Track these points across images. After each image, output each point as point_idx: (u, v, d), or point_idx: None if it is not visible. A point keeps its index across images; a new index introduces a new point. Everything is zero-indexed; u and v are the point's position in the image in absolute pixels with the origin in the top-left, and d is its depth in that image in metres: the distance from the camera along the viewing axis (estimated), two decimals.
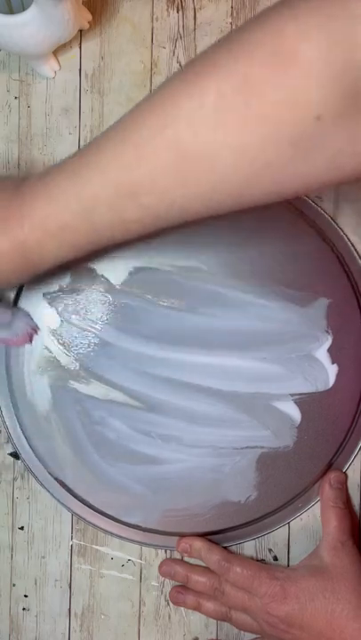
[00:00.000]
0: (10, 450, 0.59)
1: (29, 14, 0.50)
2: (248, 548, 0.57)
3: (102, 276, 0.57)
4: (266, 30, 0.36)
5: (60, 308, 0.57)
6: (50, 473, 0.57)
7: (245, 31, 0.37)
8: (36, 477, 0.58)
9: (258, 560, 0.57)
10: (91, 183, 0.41)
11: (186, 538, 0.56)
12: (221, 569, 0.54)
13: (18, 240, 0.43)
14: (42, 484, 0.58)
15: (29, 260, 0.44)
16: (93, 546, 0.59)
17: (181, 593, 0.56)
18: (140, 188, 0.39)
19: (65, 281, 0.57)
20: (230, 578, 0.53)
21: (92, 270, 0.57)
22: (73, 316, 0.57)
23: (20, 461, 0.59)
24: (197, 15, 0.57)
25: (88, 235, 0.42)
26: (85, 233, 0.42)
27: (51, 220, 0.42)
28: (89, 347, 0.57)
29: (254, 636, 0.56)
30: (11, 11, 0.54)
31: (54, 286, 0.57)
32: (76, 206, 0.41)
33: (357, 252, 0.56)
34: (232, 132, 0.36)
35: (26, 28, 0.51)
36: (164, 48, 0.58)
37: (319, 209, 0.56)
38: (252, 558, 0.57)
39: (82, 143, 0.59)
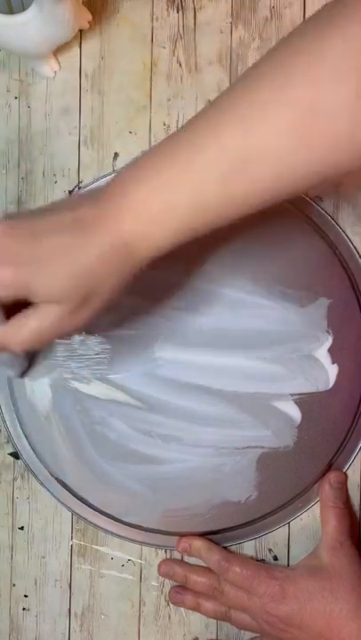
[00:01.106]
0: (10, 450, 0.59)
1: (29, 14, 0.50)
2: (248, 547, 0.57)
3: None
4: None
5: None
6: (50, 473, 0.57)
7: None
8: (36, 477, 0.58)
9: (258, 560, 0.57)
10: (203, 157, 0.39)
11: (185, 537, 0.56)
12: (221, 569, 0.54)
13: (119, 236, 0.41)
14: (42, 484, 0.58)
15: (131, 255, 0.42)
16: (93, 546, 0.59)
17: (180, 593, 0.56)
18: (255, 154, 0.38)
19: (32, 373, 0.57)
20: (230, 577, 0.53)
21: None
22: None
23: (20, 461, 0.59)
24: (197, 15, 0.57)
25: (194, 218, 0.40)
26: (192, 216, 0.40)
27: (156, 206, 0.40)
28: (89, 345, 0.56)
29: (254, 635, 0.56)
30: (11, 11, 0.54)
31: None
32: (185, 185, 0.40)
33: (358, 252, 0.56)
34: (354, 86, 0.35)
35: (26, 28, 0.51)
36: (164, 48, 0.58)
37: (320, 209, 0.56)
38: (252, 558, 0.57)
39: (82, 143, 0.59)
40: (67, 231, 0.41)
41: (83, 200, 0.42)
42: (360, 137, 0.37)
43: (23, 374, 0.56)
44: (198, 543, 0.55)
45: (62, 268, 0.41)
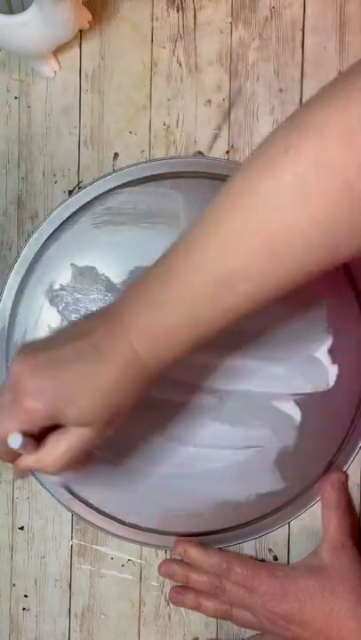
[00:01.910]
0: None
1: (29, 14, 0.50)
2: (248, 548, 0.57)
3: (103, 274, 0.57)
4: (332, 108, 0.37)
5: (60, 307, 0.57)
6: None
7: (310, 111, 0.38)
8: (35, 477, 0.58)
9: (258, 560, 0.57)
10: (191, 282, 0.42)
11: (181, 543, 0.56)
12: (221, 570, 0.54)
13: (133, 358, 0.43)
14: (41, 484, 0.58)
15: (146, 372, 0.44)
16: (93, 546, 0.59)
17: (180, 593, 0.56)
18: (236, 276, 0.40)
19: (66, 280, 0.57)
20: (231, 578, 0.54)
21: (93, 269, 0.57)
22: (73, 315, 0.57)
23: None
24: (197, 15, 0.57)
25: (193, 332, 0.43)
26: (190, 331, 0.43)
27: (157, 328, 0.43)
28: None
29: (255, 633, 0.56)
30: (11, 11, 0.54)
31: (55, 285, 0.57)
32: (179, 309, 0.42)
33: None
34: (316, 206, 0.37)
35: (26, 28, 0.51)
36: (164, 48, 0.58)
37: None
38: (251, 558, 0.57)
39: (82, 143, 0.59)
40: (86, 360, 0.43)
41: (95, 324, 0.45)
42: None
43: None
44: (193, 551, 0.55)
45: (88, 395, 0.43)
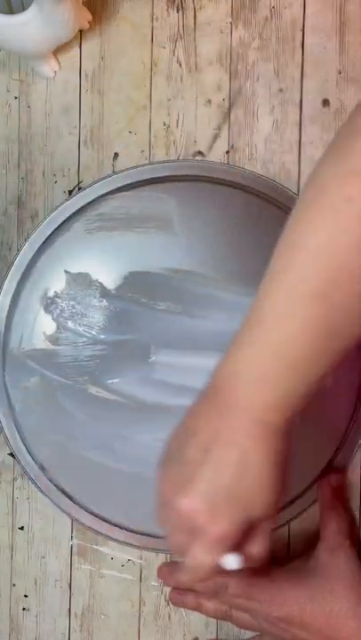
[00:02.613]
0: (9, 450, 0.59)
1: (29, 14, 0.50)
2: None
3: (97, 281, 0.57)
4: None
5: (55, 314, 0.57)
6: (49, 479, 0.57)
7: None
8: (35, 484, 0.58)
9: None
10: (293, 346, 0.41)
11: (169, 574, 0.55)
12: (219, 588, 0.53)
13: (259, 429, 0.42)
14: (41, 491, 0.57)
15: (277, 431, 0.42)
16: (93, 546, 0.59)
17: (181, 594, 0.56)
18: (336, 325, 0.40)
19: (60, 286, 0.57)
20: (231, 592, 0.53)
21: (87, 275, 0.57)
22: (69, 322, 0.57)
23: (19, 465, 0.59)
24: (197, 15, 0.57)
25: (306, 386, 0.42)
26: (304, 387, 0.42)
27: (271, 397, 0.42)
28: (84, 351, 0.56)
29: (255, 634, 0.56)
30: (11, 11, 0.54)
31: (50, 292, 0.57)
32: (287, 376, 0.41)
33: None
34: None
35: (26, 28, 0.51)
36: (164, 48, 0.58)
37: None
38: None
39: (82, 143, 0.59)
40: (227, 461, 0.42)
41: (212, 418, 0.43)
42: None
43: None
44: (184, 577, 0.54)
45: (257, 489, 0.42)
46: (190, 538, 0.43)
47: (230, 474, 0.42)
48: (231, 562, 0.43)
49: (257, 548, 0.44)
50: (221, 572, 0.44)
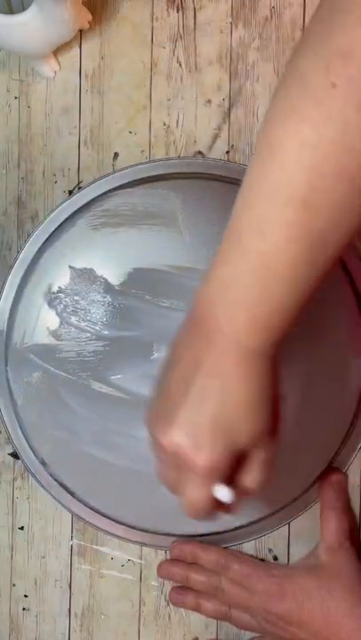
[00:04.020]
0: (10, 450, 0.59)
1: (29, 14, 0.50)
2: (248, 548, 0.57)
3: (101, 277, 0.57)
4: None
5: (59, 309, 0.57)
6: (50, 474, 0.57)
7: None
8: (36, 479, 0.58)
9: (258, 559, 0.57)
10: (280, 257, 0.38)
11: (177, 543, 0.56)
12: (219, 567, 0.54)
13: (241, 357, 0.40)
14: (42, 486, 0.58)
15: (262, 360, 0.41)
16: (93, 546, 0.59)
17: (180, 594, 0.56)
18: (325, 229, 0.37)
19: (64, 282, 0.57)
20: (228, 575, 0.53)
21: (91, 271, 0.57)
22: (72, 317, 0.57)
23: (19, 461, 0.59)
24: (197, 15, 0.57)
25: (296, 304, 0.39)
26: (293, 306, 0.39)
27: (260, 318, 0.39)
28: (87, 347, 0.57)
29: (254, 635, 0.56)
30: (11, 11, 0.54)
31: (54, 287, 0.57)
32: (274, 289, 0.39)
33: (357, 253, 0.56)
34: None
35: (26, 28, 0.51)
36: (164, 48, 0.58)
37: None
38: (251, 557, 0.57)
39: (82, 143, 0.59)
40: (211, 391, 0.40)
41: (187, 350, 0.42)
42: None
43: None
44: (189, 547, 0.55)
45: (243, 416, 0.41)
46: (181, 474, 0.42)
47: (212, 404, 0.40)
48: (224, 493, 0.42)
49: (250, 478, 0.43)
50: (219, 506, 0.43)
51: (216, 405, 0.40)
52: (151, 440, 0.43)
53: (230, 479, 0.43)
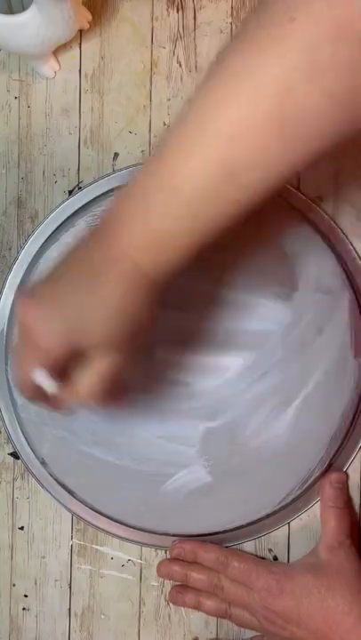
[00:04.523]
0: (10, 450, 0.59)
1: (29, 14, 0.50)
2: (248, 548, 0.57)
3: None
4: None
5: None
6: (50, 474, 0.57)
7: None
8: (36, 478, 0.58)
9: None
10: (191, 177, 0.39)
11: (178, 542, 0.56)
12: (219, 565, 0.54)
13: (127, 272, 0.42)
14: (42, 485, 0.58)
15: (149, 281, 0.42)
16: (93, 546, 0.59)
17: (181, 592, 0.56)
18: (241, 165, 0.37)
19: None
20: (228, 573, 0.54)
21: None
22: None
23: (19, 461, 0.59)
24: (197, 15, 0.57)
25: (193, 233, 0.41)
26: (190, 232, 0.41)
27: (155, 235, 0.41)
28: None
29: (254, 633, 0.56)
30: (11, 11, 0.54)
31: None
32: (178, 209, 0.40)
33: (357, 253, 0.56)
34: (329, 80, 0.35)
35: (26, 28, 0.51)
36: (164, 48, 0.58)
37: (319, 209, 0.56)
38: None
39: (82, 143, 0.59)
40: (85, 289, 0.42)
41: (90, 245, 0.43)
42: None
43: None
44: (189, 546, 0.55)
45: (99, 323, 0.42)
46: (26, 351, 0.44)
47: (79, 299, 0.42)
48: (44, 380, 0.44)
49: (80, 380, 0.45)
50: (44, 397, 0.45)
51: (81, 301, 0.42)
52: (15, 312, 0.44)
53: (65, 376, 0.45)
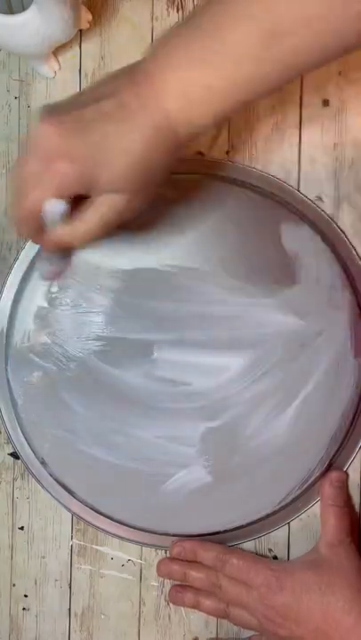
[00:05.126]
0: (10, 450, 0.59)
1: (29, 14, 0.50)
2: (248, 548, 0.57)
3: (101, 277, 0.57)
4: None
5: (59, 309, 0.57)
6: (50, 474, 0.57)
7: None
8: (36, 479, 0.58)
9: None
10: (235, 35, 0.40)
11: (177, 542, 0.56)
12: (219, 562, 0.54)
13: (161, 116, 0.42)
14: (42, 486, 0.58)
15: (175, 134, 0.42)
16: (93, 546, 0.59)
17: (180, 592, 0.56)
18: (284, 27, 0.39)
19: (64, 282, 0.57)
20: (227, 570, 0.53)
21: (92, 271, 0.57)
22: (73, 317, 0.57)
23: (19, 461, 0.59)
24: None
25: (230, 92, 0.41)
26: (228, 91, 0.41)
27: (193, 85, 0.41)
28: (87, 346, 0.57)
29: (253, 633, 0.56)
30: (11, 11, 0.54)
31: (54, 287, 0.57)
32: (220, 63, 0.40)
33: (357, 253, 0.56)
34: None
35: (26, 28, 0.51)
36: None
37: (319, 209, 0.56)
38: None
39: None
40: (113, 120, 0.42)
41: (121, 83, 0.43)
42: None
43: (57, 276, 0.56)
44: (189, 545, 0.55)
45: (119, 157, 0.42)
46: (41, 169, 0.43)
47: (104, 131, 0.42)
48: (57, 205, 0.43)
49: (85, 218, 0.44)
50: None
51: (107, 132, 0.42)
52: (37, 127, 0.43)
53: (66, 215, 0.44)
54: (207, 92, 0.41)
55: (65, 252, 0.54)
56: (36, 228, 0.45)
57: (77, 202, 0.45)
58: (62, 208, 0.43)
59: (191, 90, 0.41)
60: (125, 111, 0.42)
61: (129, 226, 0.48)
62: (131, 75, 0.43)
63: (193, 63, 0.41)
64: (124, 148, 0.42)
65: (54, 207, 0.43)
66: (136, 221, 0.48)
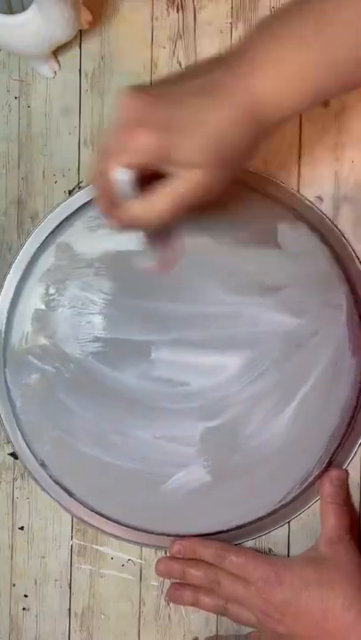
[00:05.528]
0: (10, 450, 0.59)
1: (29, 14, 0.50)
2: (248, 547, 0.57)
3: (100, 278, 0.57)
4: None
5: (57, 311, 0.57)
6: (49, 475, 0.57)
7: None
8: (36, 480, 0.58)
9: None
10: (333, 23, 0.41)
11: (177, 540, 0.56)
12: (218, 558, 0.54)
13: (250, 96, 0.42)
14: (42, 487, 0.58)
15: (262, 117, 0.43)
16: (93, 546, 0.59)
17: (179, 589, 0.56)
18: None
19: (62, 284, 0.57)
20: (226, 566, 0.53)
21: (90, 272, 0.57)
22: (70, 319, 0.57)
23: (19, 461, 0.59)
24: (197, 15, 0.57)
25: (321, 81, 0.42)
26: (320, 78, 0.42)
27: (287, 68, 0.42)
28: (85, 348, 0.57)
29: (252, 629, 0.56)
30: (11, 11, 0.54)
31: (51, 289, 0.57)
32: (316, 48, 0.42)
33: (355, 253, 0.56)
34: None
35: (26, 28, 0.51)
36: (164, 48, 0.58)
37: (319, 211, 0.56)
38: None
39: (82, 143, 0.59)
40: (204, 95, 0.42)
41: (214, 65, 0.44)
42: None
43: (170, 264, 0.55)
44: (189, 543, 0.55)
45: (203, 131, 0.42)
46: (116, 146, 0.43)
47: (192, 105, 0.42)
48: (125, 174, 0.42)
49: (162, 194, 0.43)
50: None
51: (191, 106, 0.42)
52: (121, 102, 0.43)
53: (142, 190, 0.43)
54: (298, 74, 0.42)
55: (163, 235, 0.52)
56: (113, 202, 0.45)
57: (152, 183, 0.44)
58: (132, 177, 0.42)
59: (284, 70, 0.42)
60: (217, 87, 0.42)
61: (206, 209, 0.47)
62: (224, 60, 0.44)
63: (286, 45, 0.42)
64: (207, 121, 0.42)
65: (124, 175, 0.42)
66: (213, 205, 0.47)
